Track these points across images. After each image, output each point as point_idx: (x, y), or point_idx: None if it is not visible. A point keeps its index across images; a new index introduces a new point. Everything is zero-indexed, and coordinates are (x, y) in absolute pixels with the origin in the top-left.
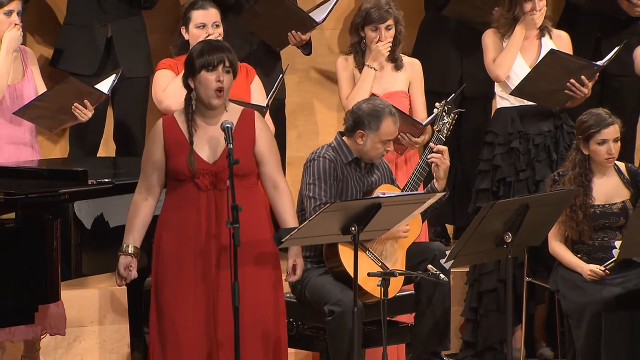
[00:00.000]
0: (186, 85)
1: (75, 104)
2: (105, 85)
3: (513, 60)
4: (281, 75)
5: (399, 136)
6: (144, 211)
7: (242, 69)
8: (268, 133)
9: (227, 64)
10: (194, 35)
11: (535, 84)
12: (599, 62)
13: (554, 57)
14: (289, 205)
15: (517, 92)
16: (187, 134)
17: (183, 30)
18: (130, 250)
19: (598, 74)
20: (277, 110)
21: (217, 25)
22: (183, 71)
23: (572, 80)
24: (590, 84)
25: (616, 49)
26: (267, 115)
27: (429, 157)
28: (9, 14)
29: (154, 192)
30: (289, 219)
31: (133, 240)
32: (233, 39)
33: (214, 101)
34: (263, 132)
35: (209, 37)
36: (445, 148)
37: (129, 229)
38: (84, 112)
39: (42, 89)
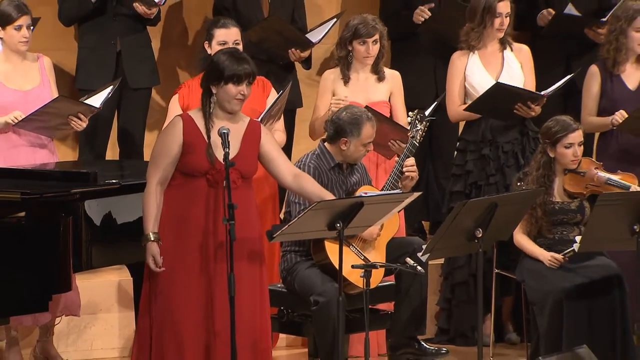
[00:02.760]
0: (207, 88)
1: (70, 117)
2: (99, 98)
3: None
4: (282, 91)
5: (389, 143)
6: (159, 200)
7: (259, 82)
8: (272, 138)
9: (251, 78)
10: (216, 51)
11: (485, 105)
12: (544, 92)
13: (499, 88)
14: (316, 183)
15: (470, 109)
16: (204, 132)
17: (206, 45)
18: (155, 237)
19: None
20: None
21: (237, 43)
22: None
23: (519, 104)
24: (537, 107)
25: (565, 79)
26: (282, 121)
27: (405, 170)
28: (19, 28)
29: (164, 184)
30: (323, 193)
31: (153, 227)
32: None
33: (235, 107)
34: (267, 137)
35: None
36: (413, 160)
37: (149, 217)
38: (79, 124)
39: (56, 95)
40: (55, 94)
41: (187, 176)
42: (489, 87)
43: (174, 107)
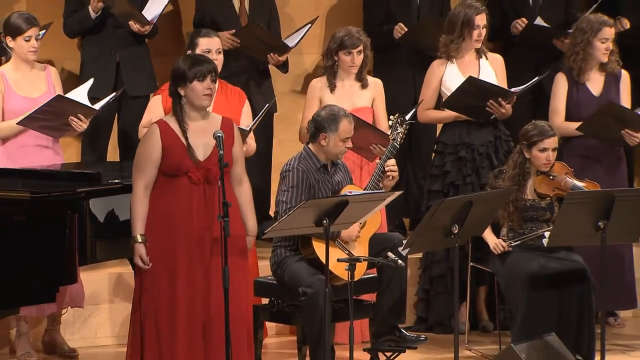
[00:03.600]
0: (175, 92)
1: (70, 117)
2: (100, 103)
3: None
4: (267, 105)
5: (370, 147)
6: (145, 203)
7: (235, 92)
8: (240, 140)
9: (213, 74)
10: None
11: (460, 100)
12: (514, 89)
13: (471, 82)
14: (249, 201)
15: (446, 104)
16: (180, 135)
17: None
18: (143, 239)
19: (515, 97)
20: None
21: (220, 52)
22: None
23: (490, 101)
24: (507, 106)
25: (534, 80)
26: (252, 134)
27: (388, 170)
28: (28, 39)
29: (149, 187)
30: (248, 213)
31: (140, 229)
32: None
33: (205, 102)
34: (237, 139)
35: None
36: (394, 161)
37: (137, 220)
38: (79, 124)
39: None
40: None
41: (169, 176)
42: (463, 81)
43: (156, 106)
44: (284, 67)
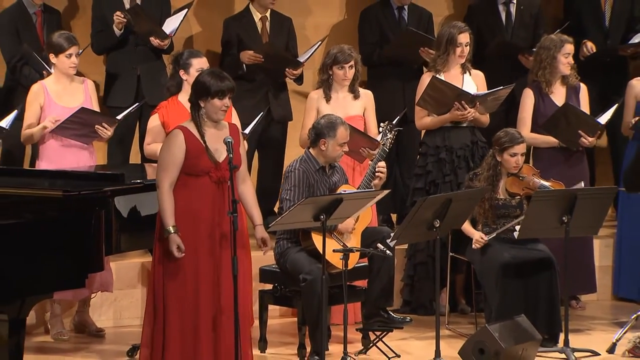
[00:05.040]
0: (196, 103)
1: (96, 126)
2: (122, 113)
3: (430, 127)
4: (262, 113)
5: (360, 150)
6: (172, 198)
7: None
8: (244, 144)
9: (232, 93)
10: (194, 76)
11: (432, 99)
12: (474, 92)
13: (433, 83)
14: (253, 196)
15: (421, 102)
16: (200, 139)
17: (182, 73)
18: (175, 229)
19: (478, 103)
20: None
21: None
22: (191, 94)
23: (456, 103)
24: (470, 109)
25: (497, 88)
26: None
27: (378, 171)
28: (69, 56)
29: (173, 185)
30: (253, 207)
31: (172, 221)
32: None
33: (221, 117)
34: (242, 143)
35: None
36: (384, 163)
37: (167, 214)
38: (105, 132)
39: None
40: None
41: (191, 176)
42: (428, 82)
43: (156, 123)
44: (299, 80)
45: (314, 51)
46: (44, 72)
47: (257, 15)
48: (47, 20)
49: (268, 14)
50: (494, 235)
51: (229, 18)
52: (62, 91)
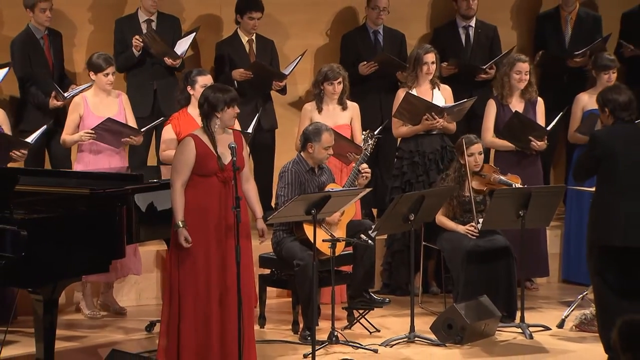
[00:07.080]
0: (211, 114)
1: (124, 139)
2: (146, 127)
3: (405, 135)
4: (257, 115)
5: (347, 154)
6: (183, 197)
7: None
8: (247, 147)
9: (239, 100)
10: (199, 92)
11: (406, 111)
12: (442, 105)
13: (407, 97)
14: (255, 193)
15: (397, 114)
16: (209, 145)
17: (189, 89)
18: (184, 224)
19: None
20: (270, 135)
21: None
22: (203, 110)
23: (426, 114)
24: (441, 120)
25: (462, 101)
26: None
27: (363, 172)
28: (106, 75)
29: (185, 185)
30: (255, 203)
31: (182, 217)
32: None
33: (233, 124)
34: (245, 147)
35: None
36: (367, 165)
37: (178, 210)
38: (133, 140)
39: (131, 122)
40: (131, 121)
41: (201, 176)
42: (402, 97)
43: (170, 133)
44: (282, 91)
45: (295, 65)
46: (53, 92)
47: (244, 39)
48: (52, 43)
49: (254, 37)
50: (480, 224)
51: (220, 42)
52: (100, 103)
